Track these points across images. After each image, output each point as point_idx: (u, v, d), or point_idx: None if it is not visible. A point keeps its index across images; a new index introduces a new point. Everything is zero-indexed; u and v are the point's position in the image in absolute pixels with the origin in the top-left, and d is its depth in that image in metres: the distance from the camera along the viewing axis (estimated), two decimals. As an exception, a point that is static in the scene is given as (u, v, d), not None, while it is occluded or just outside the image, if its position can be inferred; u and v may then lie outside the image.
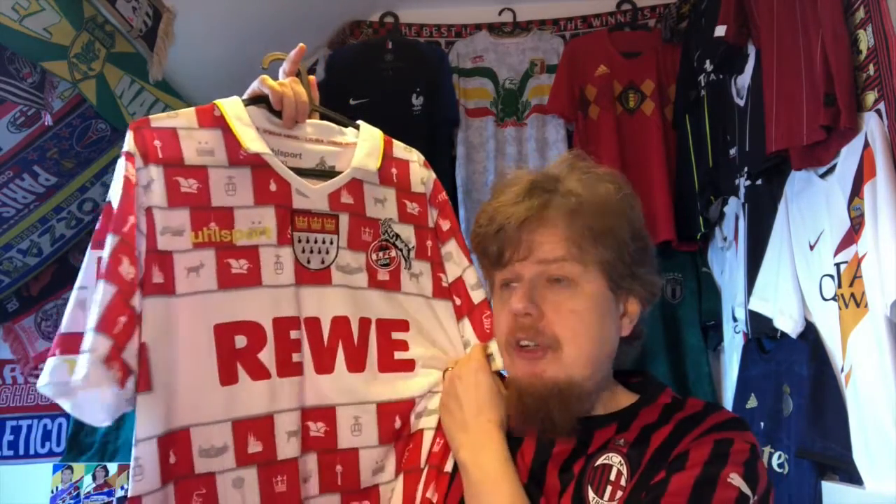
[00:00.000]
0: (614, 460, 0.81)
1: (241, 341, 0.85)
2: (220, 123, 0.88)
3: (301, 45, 0.96)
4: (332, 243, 0.93)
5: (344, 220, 0.94)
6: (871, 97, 1.44)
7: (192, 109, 0.87)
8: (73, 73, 1.73)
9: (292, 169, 0.91)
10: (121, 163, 0.81)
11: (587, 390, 0.84)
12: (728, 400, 2.10)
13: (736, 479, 0.74)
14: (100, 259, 0.78)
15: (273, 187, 0.89)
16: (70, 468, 2.16)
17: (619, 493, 0.78)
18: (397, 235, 0.99)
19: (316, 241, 0.92)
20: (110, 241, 0.76)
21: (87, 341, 0.73)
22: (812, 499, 1.50)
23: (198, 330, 0.83)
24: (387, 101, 2.53)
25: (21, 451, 2.50)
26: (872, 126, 1.39)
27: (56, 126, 2.02)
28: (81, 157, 2.11)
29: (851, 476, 1.42)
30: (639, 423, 0.84)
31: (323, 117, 0.99)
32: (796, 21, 1.62)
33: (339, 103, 2.56)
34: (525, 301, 0.83)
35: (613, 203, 0.85)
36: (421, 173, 1.03)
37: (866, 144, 1.40)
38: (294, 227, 0.90)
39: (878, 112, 1.41)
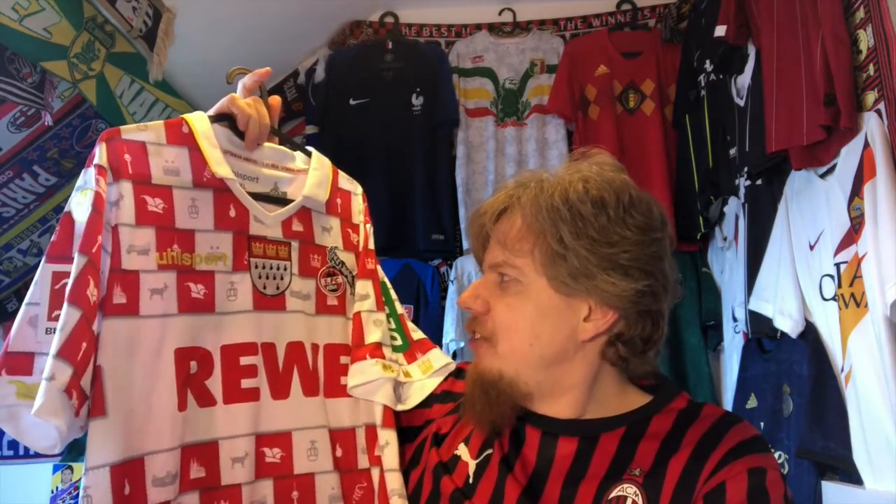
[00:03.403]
0: (629, 491, 0.78)
1: (193, 367, 0.84)
2: (188, 142, 0.86)
3: (267, 68, 0.95)
4: (285, 269, 0.94)
5: (295, 246, 0.95)
6: (871, 97, 1.44)
7: (161, 123, 0.86)
8: (73, 73, 1.73)
9: (249, 193, 0.91)
10: (91, 175, 0.78)
11: (521, 388, 0.84)
12: (728, 400, 2.10)
13: None
14: (55, 274, 0.75)
15: (232, 213, 0.89)
16: (70, 468, 2.16)
17: None
18: (342, 262, 1.01)
19: (271, 268, 0.92)
20: (78, 261, 0.73)
21: (48, 368, 0.69)
22: (812, 499, 1.51)
23: (160, 353, 0.81)
24: (387, 101, 2.54)
25: (21, 451, 2.50)
26: (872, 126, 1.39)
27: (56, 126, 2.02)
28: (81, 157, 2.11)
29: (851, 476, 1.42)
30: (650, 442, 0.81)
31: (281, 142, 1.00)
32: (796, 21, 1.62)
33: (339, 103, 2.56)
34: (466, 295, 0.88)
35: (558, 203, 0.81)
36: (359, 205, 1.06)
37: (866, 144, 1.40)
38: (251, 254, 0.90)
39: (878, 112, 1.41)
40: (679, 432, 0.80)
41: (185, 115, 0.88)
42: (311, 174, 0.98)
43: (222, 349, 0.87)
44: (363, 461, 0.95)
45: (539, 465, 0.83)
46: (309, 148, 1.02)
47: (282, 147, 0.98)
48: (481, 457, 0.86)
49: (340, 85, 2.56)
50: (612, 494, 0.78)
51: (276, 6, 2.34)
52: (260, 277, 0.91)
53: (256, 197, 0.92)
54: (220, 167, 0.87)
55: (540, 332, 0.84)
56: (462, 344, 2.34)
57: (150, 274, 0.81)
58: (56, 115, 1.96)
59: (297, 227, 0.96)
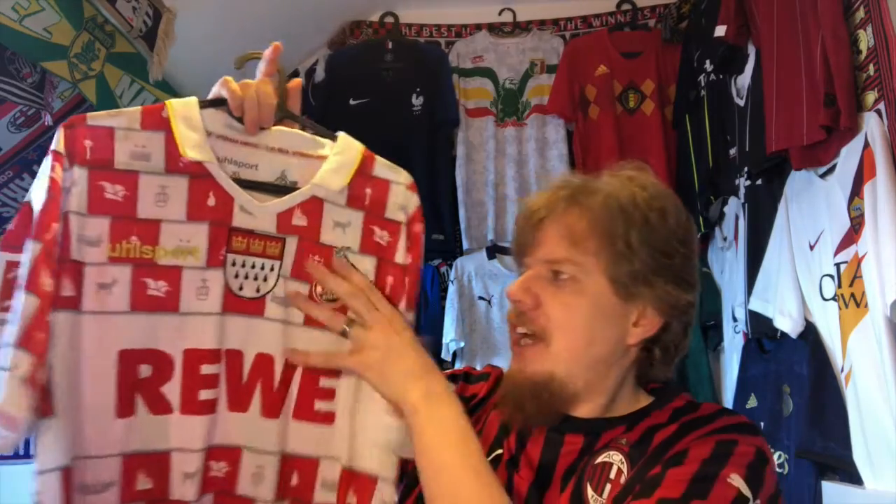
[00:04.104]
0: (615, 458, 0.80)
1: (145, 370, 0.77)
2: (165, 126, 0.77)
3: (275, 43, 0.85)
4: (272, 270, 0.82)
5: (291, 244, 0.82)
6: (871, 97, 1.44)
7: (138, 109, 0.77)
8: (73, 73, 1.73)
9: (244, 181, 0.80)
10: (47, 162, 0.73)
11: (570, 389, 0.83)
12: (728, 400, 2.09)
13: (736, 480, 0.72)
14: (8, 263, 0.71)
15: (211, 201, 0.78)
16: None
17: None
18: (353, 267, 0.85)
19: (253, 266, 0.81)
20: (31, 247, 0.69)
21: (7, 357, 0.66)
22: (812, 499, 1.51)
23: (100, 353, 0.74)
24: (387, 102, 2.54)
25: (21, 451, 2.50)
26: (872, 126, 1.39)
27: (56, 126, 2.02)
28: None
29: (851, 476, 1.42)
30: (646, 424, 0.83)
31: (302, 127, 0.87)
32: (796, 21, 1.62)
33: (338, 103, 2.56)
34: (517, 287, 0.83)
35: (628, 206, 0.83)
36: (402, 197, 0.88)
37: (866, 144, 1.40)
38: (229, 248, 0.79)
39: (878, 112, 1.41)
40: (673, 419, 0.83)
41: (170, 100, 0.79)
42: (330, 159, 0.84)
43: (185, 353, 0.78)
44: (323, 496, 0.84)
45: (544, 459, 0.84)
46: (339, 133, 0.87)
47: (298, 131, 0.86)
48: (492, 456, 0.86)
49: (340, 85, 2.56)
50: (598, 460, 0.80)
51: (276, 6, 2.34)
52: (236, 277, 0.80)
53: (255, 186, 0.81)
54: (194, 149, 0.77)
55: (595, 333, 0.83)
56: (462, 344, 2.34)
57: (96, 267, 0.74)
58: (56, 115, 1.96)
59: (298, 220, 0.82)
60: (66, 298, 0.72)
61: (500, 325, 2.39)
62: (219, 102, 0.81)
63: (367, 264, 0.85)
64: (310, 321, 0.84)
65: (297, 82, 0.88)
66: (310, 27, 2.60)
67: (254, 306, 0.81)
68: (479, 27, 2.69)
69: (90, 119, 0.75)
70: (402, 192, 0.88)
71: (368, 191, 0.86)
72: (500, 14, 2.65)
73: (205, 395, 0.79)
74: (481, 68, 2.62)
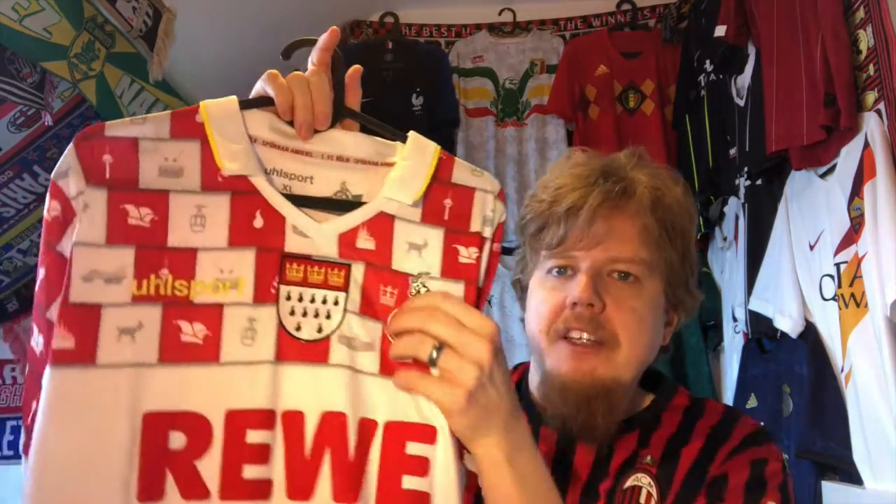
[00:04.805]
0: (643, 481, 0.78)
1: (177, 440, 0.60)
2: (200, 133, 0.65)
3: (334, 27, 0.71)
4: (336, 304, 0.66)
5: (358, 271, 0.67)
6: (871, 97, 1.44)
7: (167, 113, 0.65)
8: (73, 73, 1.73)
9: (299, 197, 0.67)
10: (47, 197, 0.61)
11: (627, 394, 0.81)
12: (728, 400, 2.09)
13: None
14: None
15: (258, 223, 0.65)
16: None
17: None
18: None
19: (313, 300, 0.65)
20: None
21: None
22: (812, 499, 1.50)
23: (119, 417, 0.59)
24: (387, 102, 2.53)
25: (21, 451, 2.50)
26: (872, 126, 1.39)
27: (56, 126, 2.02)
28: (81, 157, 2.11)
29: (851, 476, 1.42)
30: (662, 433, 0.82)
31: (365, 128, 0.73)
32: (796, 21, 1.62)
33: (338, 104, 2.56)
34: (590, 291, 0.77)
35: (688, 204, 0.82)
36: (489, 209, 0.72)
37: (866, 144, 1.40)
38: (283, 279, 0.65)
39: (878, 112, 1.41)
40: (689, 425, 0.82)
41: (205, 101, 0.66)
42: (399, 165, 0.70)
43: (228, 417, 0.61)
44: None
45: (557, 472, 0.77)
46: (410, 133, 0.72)
47: (361, 134, 0.72)
48: None
49: (340, 85, 2.56)
50: (627, 484, 0.78)
51: (276, 6, 2.34)
52: (293, 314, 0.64)
53: (311, 203, 0.67)
54: (235, 161, 0.64)
55: (654, 338, 0.81)
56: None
57: (118, 309, 0.60)
58: (56, 115, 1.96)
59: (364, 243, 0.67)
60: (63, 352, 0.58)
61: (499, 324, 2.39)
62: (263, 101, 0.68)
63: (454, 292, 0.69)
64: (387, 368, 0.66)
65: (356, 70, 0.74)
66: (310, 27, 2.60)
67: (316, 351, 0.65)
68: (479, 27, 2.69)
69: (109, 129, 0.63)
70: (489, 202, 0.72)
71: (448, 202, 0.71)
72: (500, 14, 2.65)
73: (252, 472, 0.62)
74: (481, 68, 2.62)
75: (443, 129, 2.56)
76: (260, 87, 0.68)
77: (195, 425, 0.61)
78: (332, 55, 0.70)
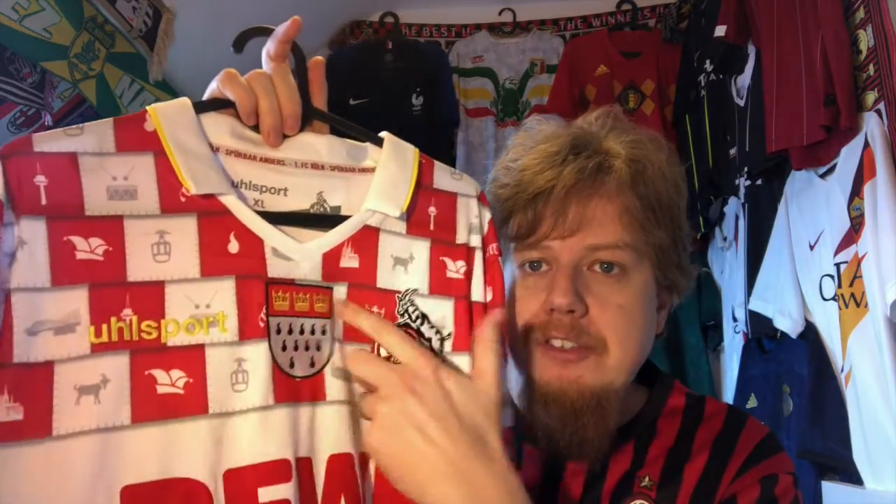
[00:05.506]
0: None
1: None
2: (153, 144, 0.54)
3: (295, 17, 0.62)
4: (324, 333, 0.58)
5: (341, 293, 0.59)
6: (871, 97, 1.44)
7: (108, 122, 0.54)
8: (73, 73, 1.73)
9: (271, 214, 0.57)
10: None
11: (620, 400, 0.70)
12: (728, 400, 2.09)
13: None
14: None
15: (233, 247, 0.55)
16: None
17: None
18: (424, 317, 0.63)
19: (302, 332, 0.57)
20: None
21: None
22: (812, 499, 1.51)
23: (88, 497, 0.48)
24: (387, 102, 2.53)
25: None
26: (872, 126, 1.39)
27: (56, 126, 2.02)
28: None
29: (851, 476, 1.42)
30: (659, 443, 0.74)
31: (333, 129, 0.66)
32: (796, 21, 1.62)
33: (338, 103, 2.56)
34: (570, 295, 0.66)
35: (674, 173, 0.70)
36: (473, 213, 0.66)
37: (866, 144, 1.40)
38: (270, 310, 0.55)
39: (878, 112, 1.41)
40: (689, 434, 0.74)
41: (152, 105, 0.56)
42: (380, 173, 0.62)
43: (227, 477, 0.52)
44: None
45: (545, 489, 0.71)
46: (383, 134, 0.65)
47: (332, 136, 0.64)
48: None
49: (340, 85, 2.56)
50: None
51: (276, 6, 2.34)
52: (284, 348, 0.56)
53: (286, 219, 0.59)
54: (200, 178, 0.54)
55: (647, 334, 0.71)
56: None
57: (75, 363, 0.49)
58: (56, 115, 1.96)
59: (348, 261, 0.60)
60: (11, 426, 0.47)
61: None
62: (221, 104, 0.59)
63: (443, 310, 0.63)
64: None
65: (319, 63, 0.65)
66: (310, 27, 2.59)
67: (311, 388, 0.57)
68: (479, 27, 2.69)
69: (38, 142, 0.51)
70: (473, 208, 0.66)
71: (432, 210, 0.64)
72: (500, 14, 2.65)
73: None
74: (481, 68, 2.62)
75: (443, 129, 2.56)
76: (215, 88, 0.59)
77: (189, 494, 0.51)
78: (293, 48, 0.61)
